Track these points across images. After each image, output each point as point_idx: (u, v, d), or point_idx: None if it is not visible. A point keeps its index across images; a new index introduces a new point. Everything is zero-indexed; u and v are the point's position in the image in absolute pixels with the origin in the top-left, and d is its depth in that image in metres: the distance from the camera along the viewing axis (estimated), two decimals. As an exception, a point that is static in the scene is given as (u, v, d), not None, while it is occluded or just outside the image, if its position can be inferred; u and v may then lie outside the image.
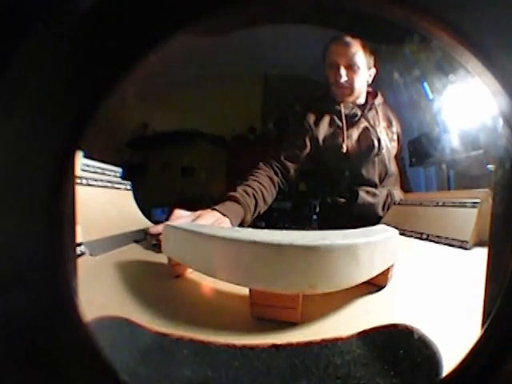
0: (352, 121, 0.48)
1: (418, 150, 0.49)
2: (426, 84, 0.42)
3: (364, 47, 0.46)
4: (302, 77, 0.49)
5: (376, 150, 0.49)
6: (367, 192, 0.48)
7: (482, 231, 0.41)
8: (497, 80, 0.18)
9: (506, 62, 0.17)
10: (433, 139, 0.45)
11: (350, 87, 0.48)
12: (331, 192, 0.48)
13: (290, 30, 0.44)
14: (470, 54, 0.18)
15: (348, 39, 0.45)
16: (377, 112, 0.50)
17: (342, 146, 0.47)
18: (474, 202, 0.44)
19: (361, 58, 0.46)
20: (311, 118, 0.48)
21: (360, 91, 0.49)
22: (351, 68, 0.46)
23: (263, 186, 0.46)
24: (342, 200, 0.47)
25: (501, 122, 0.21)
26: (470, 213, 0.44)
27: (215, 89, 0.47)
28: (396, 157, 0.52)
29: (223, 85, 0.47)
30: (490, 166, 0.34)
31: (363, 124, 0.49)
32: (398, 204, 0.51)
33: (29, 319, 0.17)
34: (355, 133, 0.48)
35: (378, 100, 0.50)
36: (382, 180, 0.50)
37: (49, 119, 0.16)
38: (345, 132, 0.48)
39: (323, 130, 0.48)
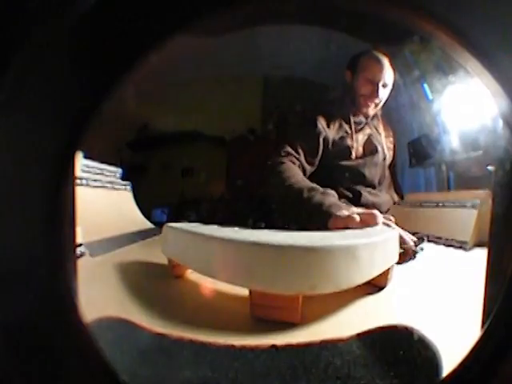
0: (358, 127, 0.51)
1: (417, 151, 0.49)
2: (425, 85, 0.42)
3: (393, 66, 0.48)
4: (302, 78, 0.49)
5: (381, 154, 0.51)
6: (369, 192, 0.50)
7: (482, 232, 0.41)
8: (496, 81, 0.18)
9: (505, 63, 0.17)
10: (432, 140, 0.45)
11: (378, 103, 0.50)
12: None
13: (289, 30, 0.44)
14: (469, 54, 0.18)
15: (383, 58, 0.47)
16: (378, 120, 0.52)
17: (350, 150, 0.49)
18: (474, 203, 0.44)
19: (392, 78, 0.48)
20: (323, 121, 0.49)
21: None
22: (384, 87, 0.48)
23: None
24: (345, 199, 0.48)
25: (500, 122, 0.21)
26: (469, 213, 0.44)
27: (215, 90, 0.47)
28: (390, 164, 0.54)
29: (223, 86, 0.47)
30: (489, 167, 0.34)
31: (368, 131, 0.51)
32: (398, 204, 0.51)
33: (29, 319, 0.17)
34: (361, 138, 0.50)
35: (380, 111, 0.52)
36: (380, 183, 0.52)
37: (49, 120, 0.16)
38: (354, 136, 0.49)
39: (333, 133, 0.49)
